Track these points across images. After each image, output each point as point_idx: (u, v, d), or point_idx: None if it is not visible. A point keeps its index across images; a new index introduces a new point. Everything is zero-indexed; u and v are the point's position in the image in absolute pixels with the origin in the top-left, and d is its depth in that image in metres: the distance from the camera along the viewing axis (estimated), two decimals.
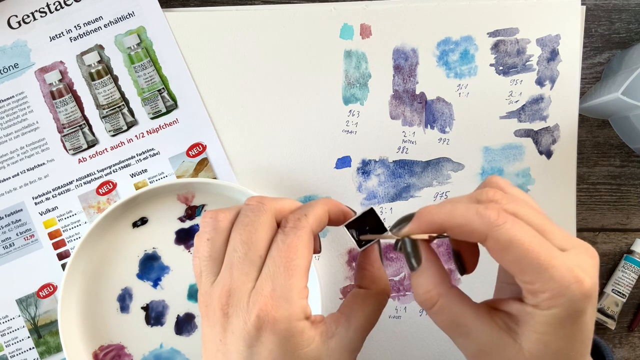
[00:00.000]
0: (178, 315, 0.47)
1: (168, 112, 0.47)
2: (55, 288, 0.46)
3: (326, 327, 0.30)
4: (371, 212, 0.32)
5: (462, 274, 0.31)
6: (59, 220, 0.47)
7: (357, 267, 0.34)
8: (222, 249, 0.30)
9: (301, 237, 0.29)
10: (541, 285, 0.25)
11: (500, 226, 0.26)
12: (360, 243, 0.32)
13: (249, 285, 0.28)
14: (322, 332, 0.29)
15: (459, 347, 0.29)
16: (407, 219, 0.29)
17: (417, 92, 0.48)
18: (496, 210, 0.26)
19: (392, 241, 0.48)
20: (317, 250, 0.32)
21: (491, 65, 0.48)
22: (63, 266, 0.46)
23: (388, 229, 0.32)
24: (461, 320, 0.28)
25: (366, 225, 0.32)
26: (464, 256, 0.31)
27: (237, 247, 0.29)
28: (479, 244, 0.29)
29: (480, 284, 0.31)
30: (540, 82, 0.48)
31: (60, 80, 0.46)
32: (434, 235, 0.29)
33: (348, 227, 0.32)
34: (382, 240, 0.34)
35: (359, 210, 0.32)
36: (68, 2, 0.46)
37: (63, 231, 0.47)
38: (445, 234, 0.29)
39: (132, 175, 0.47)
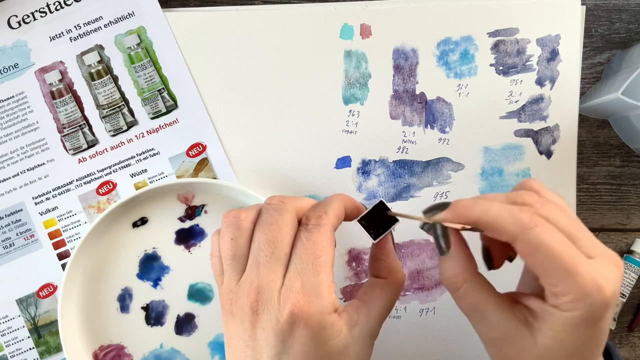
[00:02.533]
0: (178, 315, 0.47)
1: (168, 112, 0.47)
2: (55, 288, 0.46)
3: (349, 316, 0.31)
4: (381, 204, 0.33)
5: (489, 269, 0.32)
6: (59, 220, 0.47)
7: (372, 258, 0.35)
8: (246, 248, 0.31)
9: (324, 234, 0.30)
10: (564, 289, 0.26)
11: (532, 229, 0.27)
12: (374, 236, 0.33)
13: (278, 282, 0.29)
14: (347, 322, 0.30)
15: (477, 331, 0.30)
16: (441, 206, 0.30)
17: (417, 92, 0.48)
18: (529, 213, 0.27)
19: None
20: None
21: (491, 65, 0.48)
22: (63, 266, 0.46)
23: (397, 217, 0.33)
24: (482, 306, 0.29)
25: (377, 218, 0.33)
26: (493, 252, 0.32)
27: (263, 245, 0.30)
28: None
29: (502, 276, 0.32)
30: (540, 82, 0.48)
31: (60, 80, 0.46)
32: (467, 227, 0.30)
33: (361, 221, 0.33)
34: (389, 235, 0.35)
35: (363, 203, 0.33)
36: (68, 2, 0.46)
37: (63, 231, 0.47)
38: (475, 229, 0.30)
39: (132, 175, 0.47)
